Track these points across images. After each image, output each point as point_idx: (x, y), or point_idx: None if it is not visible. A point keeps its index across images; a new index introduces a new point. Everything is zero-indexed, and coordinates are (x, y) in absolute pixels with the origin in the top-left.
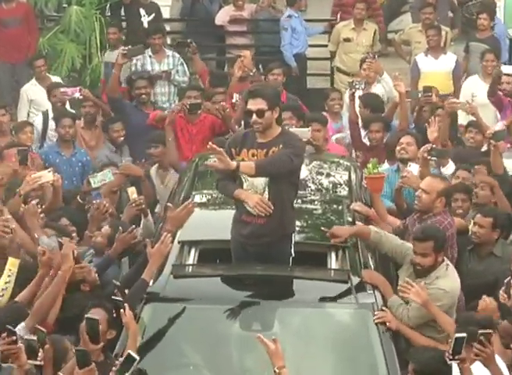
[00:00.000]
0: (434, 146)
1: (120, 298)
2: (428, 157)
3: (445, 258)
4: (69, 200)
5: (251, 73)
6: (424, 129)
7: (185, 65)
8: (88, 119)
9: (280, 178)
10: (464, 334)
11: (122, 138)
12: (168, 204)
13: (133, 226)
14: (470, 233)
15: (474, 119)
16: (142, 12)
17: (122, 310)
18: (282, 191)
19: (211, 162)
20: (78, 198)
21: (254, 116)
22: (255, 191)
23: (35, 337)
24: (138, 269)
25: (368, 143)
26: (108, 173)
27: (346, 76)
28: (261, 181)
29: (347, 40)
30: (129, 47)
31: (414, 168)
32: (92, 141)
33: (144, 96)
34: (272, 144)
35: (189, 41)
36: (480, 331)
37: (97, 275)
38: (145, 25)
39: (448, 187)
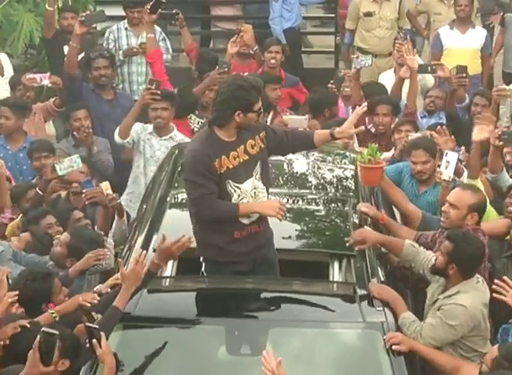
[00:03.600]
0: (506, 130)
1: (96, 326)
2: (500, 143)
3: (477, 274)
4: (19, 196)
5: (252, 51)
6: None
7: (167, 40)
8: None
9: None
10: None
11: (85, 130)
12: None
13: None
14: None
15: None
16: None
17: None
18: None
19: None
20: (37, 189)
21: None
22: (246, 196)
23: None
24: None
25: (373, 130)
26: (77, 159)
27: None
28: (249, 184)
29: (368, 14)
30: (87, 12)
31: (451, 156)
32: (31, 131)
33: (103, 78)
34: (244, 136)
35: (174, 11)
36: None
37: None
38: None
39: (482, 200)
